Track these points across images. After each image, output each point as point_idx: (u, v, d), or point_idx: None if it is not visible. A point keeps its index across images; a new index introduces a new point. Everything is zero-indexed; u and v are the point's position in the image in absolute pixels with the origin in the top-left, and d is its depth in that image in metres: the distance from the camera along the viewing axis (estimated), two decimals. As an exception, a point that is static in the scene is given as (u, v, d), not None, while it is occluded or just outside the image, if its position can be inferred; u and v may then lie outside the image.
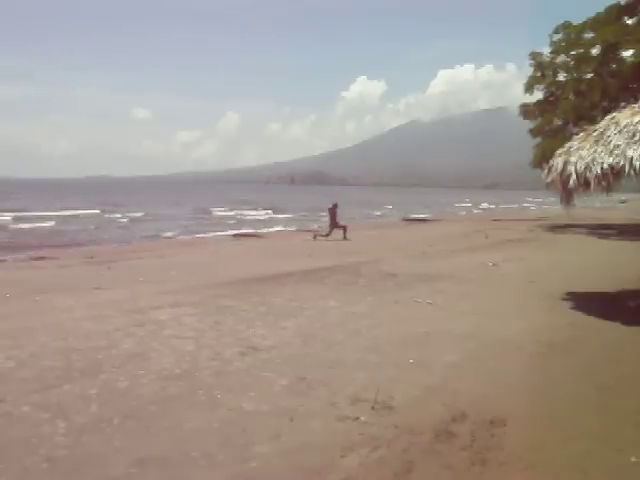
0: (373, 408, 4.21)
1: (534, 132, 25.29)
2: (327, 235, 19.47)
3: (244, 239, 22.23)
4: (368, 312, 7.58)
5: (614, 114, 7.44)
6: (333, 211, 20.05)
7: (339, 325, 6.82)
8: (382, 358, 5.51)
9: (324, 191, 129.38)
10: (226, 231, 26.64)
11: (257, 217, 41.16)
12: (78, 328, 6.58)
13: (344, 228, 19.56)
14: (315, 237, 19.48)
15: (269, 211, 47.69)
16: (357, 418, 4.04)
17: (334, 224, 19.82)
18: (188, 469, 3.37)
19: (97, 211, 42.59)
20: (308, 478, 3.30)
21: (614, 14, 22.23)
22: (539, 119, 25.16)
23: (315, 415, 4.12)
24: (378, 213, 48.45)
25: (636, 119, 6.73)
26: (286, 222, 34.97)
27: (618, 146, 6.56)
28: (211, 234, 25.68)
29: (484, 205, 69.30)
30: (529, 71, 25.13)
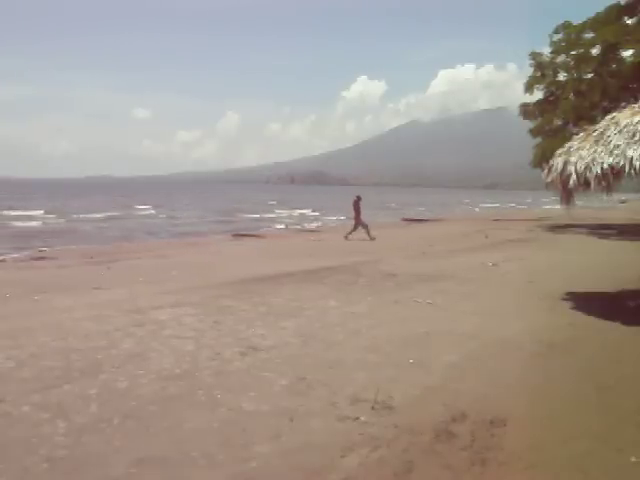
0: (373, 408, 4.21)
1: (534, 132, 25.28)
2: (354, 230, 19.12)
3: (244, 239, 22.23)
4: (368, 312, 7.58)
5: (614, 114, 7.44)
6: (357, 205, 19.48)
7: (339, 325, 6.82)
8: (382, 358, 5.51)
9: (333, 191, 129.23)
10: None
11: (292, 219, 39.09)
12: (78, 328, 6.58)
13: (355, 227, 19.15)
14: (346, 237, 18.97)
15: (307, 211, 47.54)
16: (357, 418, 4.04)
17: (358, 218, 19.37)
18: (188, 469, 3.37)
19: (152, 211, 43.38)
20: (308, 478, 3.30)
21: (614, 14, 22.21)
22: (539, 119, 25.15)
23: (315, 415, 4.12)
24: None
25: (636, 119, 6.73)
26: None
27: (618, 146, 6.56)
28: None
29: (512, 205, 69.61)
30: (529, 71, 25.15)
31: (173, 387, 4.68)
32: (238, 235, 23.82)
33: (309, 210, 49.21)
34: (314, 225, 31.97)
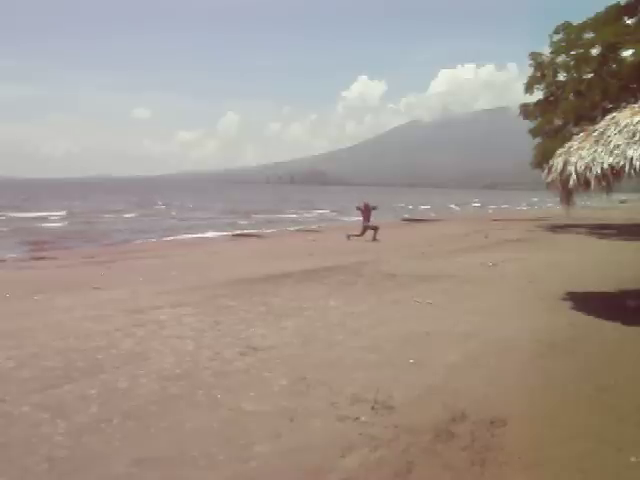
0: (373, 408, 4.21)
1: (534, 132, 25.30)
2: (361, 235, 18.90)
3: (244, 239, 22.24)
4: (368, 312, 7.58)
5: (614, 114, 7.44)
6: (365, 211, 19.38)
7: (339, 325, 6.82)
8: (382, 358, 5.50)
9: (336, 191, 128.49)
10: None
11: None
12: (78, 328, 6.58)
13: (375, 229, 18.95)
14: (349, 237, 18.84)
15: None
16: (357, 418, 4.04)
17: (366, 223, 19.21)
18: (188, 469, 3.37)
19: (174, 213, 42.94)
20: (308, 478, 3.30)
21: (614, 14, 22.22)
22: (539, 119, 25.16)
23: (315, 415, 4.12)
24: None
25: (636, 119, 6.73)
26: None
27: (618, 146, 6.56)
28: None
29: (524, 205, 69.33)
30: (530, 71, 25.16)
31: (173, 387, 4.68)
32: (238, 235, 23.83)
33: (327, 210, 48.72)
34: (316, 226, 31.73)
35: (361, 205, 19.80)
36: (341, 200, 67.71)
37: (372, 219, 19.63)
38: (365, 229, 19.18)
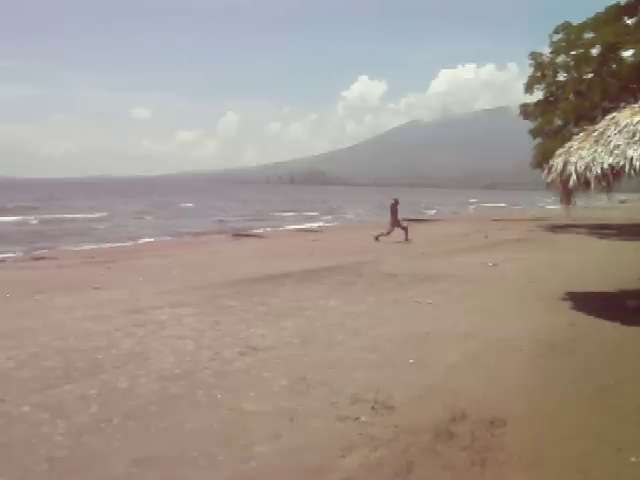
0: (373, 408, 4.21)
1: (534, 132, 25.27)
2: (388, 233, 18.59)
3: (244, 239, 22.23)
4: (368, 312, 7.58)
5: (614, 114, 7.44)
6: (394, 208, 18.90)
7: (339, 325, 6.82)
8: (382, 358, 5.51)
9: (339, 191, 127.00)
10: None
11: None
12: (78, 328, 6.58)
13: (391, 230, 18.66)
14: (377, 238, 18.47)
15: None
16: (357, 418, 4.04)
17: (395, 222, 18.84)
18: (188, 469, 3.37)
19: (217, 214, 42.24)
20: (308, 478, 3.30)
21: (614, 14, 22.20)
22: (539, 119, 25.14)
23: (315, 415, 4.12)
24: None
25: (636, 119, 6.73)
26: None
27: (618, 146, 6.56)
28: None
29: (540, 205, 68.80)
30: (530, 71, 25.13)
31: (173, 387, 4.69)
32: (238, 235, 23.82)
33: (362, 210, 47.70)
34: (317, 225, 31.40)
35: (393, 202, 19.13)
36: (357, 200, 66.54)
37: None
38: (393, 227, 18.72)
